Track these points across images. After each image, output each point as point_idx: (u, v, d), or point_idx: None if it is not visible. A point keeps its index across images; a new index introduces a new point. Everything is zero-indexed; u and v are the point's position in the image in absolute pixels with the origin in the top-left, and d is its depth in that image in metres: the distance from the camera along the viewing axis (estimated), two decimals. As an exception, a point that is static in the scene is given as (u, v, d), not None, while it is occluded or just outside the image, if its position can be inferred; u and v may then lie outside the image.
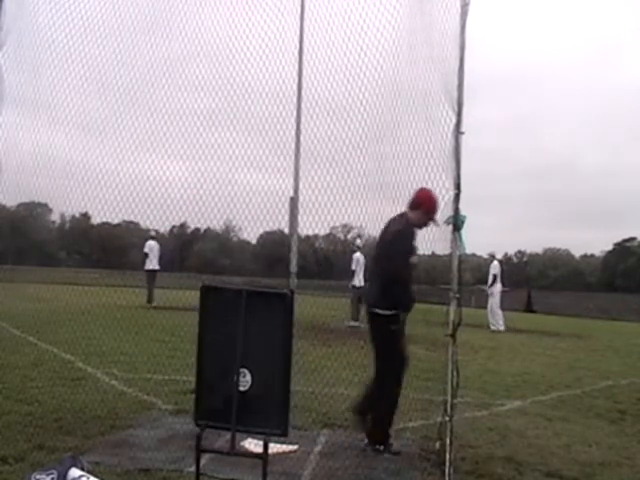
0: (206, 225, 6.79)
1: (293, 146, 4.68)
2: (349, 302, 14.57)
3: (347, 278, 14.92)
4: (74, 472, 2.97)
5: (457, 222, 3.81)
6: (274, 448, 3.84)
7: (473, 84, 3.83)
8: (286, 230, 4.87)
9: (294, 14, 4.43)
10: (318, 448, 4.44)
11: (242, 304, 3.24)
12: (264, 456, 3.09)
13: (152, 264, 15.53)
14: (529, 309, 27.14)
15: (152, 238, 15.34)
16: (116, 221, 5.23)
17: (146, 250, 15.40)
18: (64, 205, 4.94)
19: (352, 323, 13.60)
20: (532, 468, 4.27)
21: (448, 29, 3.66)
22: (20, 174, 4.52)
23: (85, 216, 6.47)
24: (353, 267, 14.67)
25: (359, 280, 14.46)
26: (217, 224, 5.88)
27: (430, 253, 4.45)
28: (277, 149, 4.55)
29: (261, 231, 5.03)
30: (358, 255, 14.60)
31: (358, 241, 14.86)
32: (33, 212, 7.33)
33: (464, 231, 3.92)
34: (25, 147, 4.49)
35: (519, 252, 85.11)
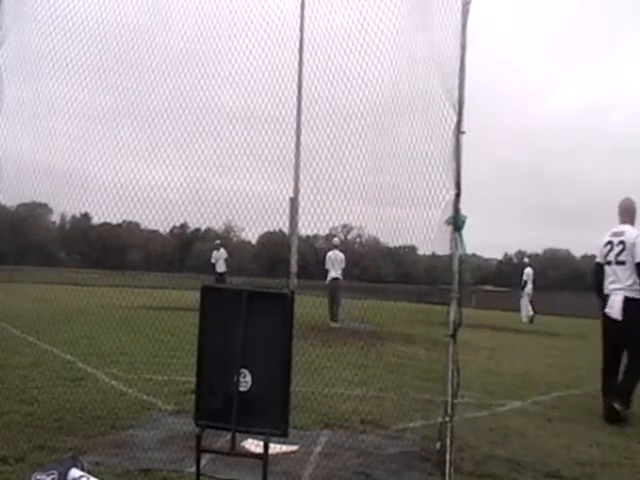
0: (206, 225, 6.79)
1: (293, 146, 4.67)
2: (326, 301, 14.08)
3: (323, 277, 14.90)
4: (74, 472, 2.97)
5: (457, 222, 3.80)
6: (274, 448, 3.84)
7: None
8: (286, 230, 4.86)
9: (294, 14, 4.42)
10: (318, 448, 4.43)
11: (242, 304, 3.24)
12: (264, 456, 3.09)
13: (220, 268, 18.39)
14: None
15: (218, 247, 17.93)
16: (116, 221, 5.21)
17: (212, 261, 18.23)
18: (64, 205, 4.93)
19: (333, 324, 13.26)
20: (532, 468, 4.26)
21: (449, 28, 3.65)
22: (20, 175, 4.51)
23: (85, 216, 6.45)
24: (327, 266, 14.77)
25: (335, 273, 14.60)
26: (217, 224, 5.88)
27: (430, 253, 4.44)
28: (277, 149, 4.53)
29: (261, 231, 5.01)
30: (336, 252, 14.66)
31: (335, 240, 14.94)
32: (33, 213, 7.32)
33: (464, 231, 3.91)
34: (25, 147, 4.48)
35: (519, 252, 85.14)
